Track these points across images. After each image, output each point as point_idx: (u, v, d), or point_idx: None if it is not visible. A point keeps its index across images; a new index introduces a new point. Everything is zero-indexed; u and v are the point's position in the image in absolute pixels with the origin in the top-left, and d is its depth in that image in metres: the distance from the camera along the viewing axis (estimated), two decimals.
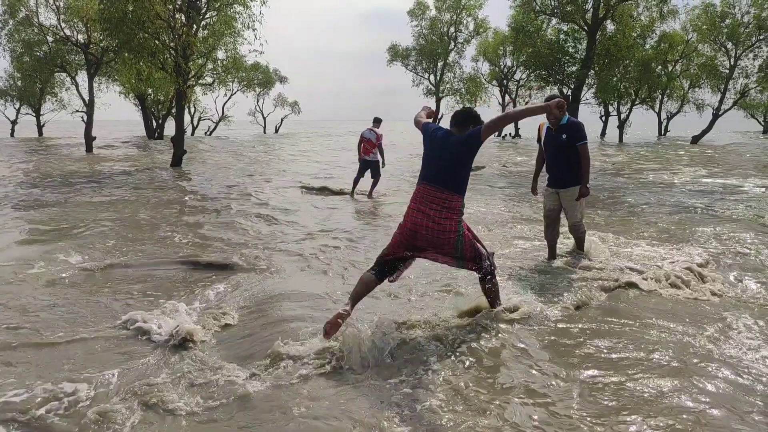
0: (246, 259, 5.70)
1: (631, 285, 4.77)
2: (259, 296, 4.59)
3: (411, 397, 2.93)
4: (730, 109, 36.36)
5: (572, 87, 23.74)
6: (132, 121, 46.55)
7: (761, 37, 32.20)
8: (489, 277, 3.95)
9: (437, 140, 3.85)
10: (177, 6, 15.08)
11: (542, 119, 5.69)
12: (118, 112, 36.13)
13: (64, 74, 26.68)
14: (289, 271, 5.36)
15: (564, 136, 5.44)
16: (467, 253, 3.78)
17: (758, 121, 54.77)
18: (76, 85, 25.32)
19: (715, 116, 35.71)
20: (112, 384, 3.04)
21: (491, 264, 3.94)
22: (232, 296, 4.61)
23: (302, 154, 23.69)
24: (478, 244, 3.90)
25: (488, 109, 41.52)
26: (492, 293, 4.02)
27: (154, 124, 34.73)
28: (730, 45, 33.57)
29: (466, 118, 3.86)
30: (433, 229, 3.70)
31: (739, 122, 53.38)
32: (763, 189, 11.74)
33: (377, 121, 11.34)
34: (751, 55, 33.52)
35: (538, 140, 5.79)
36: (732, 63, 33.94)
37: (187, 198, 10.26)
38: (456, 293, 4.57)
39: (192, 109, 41.25)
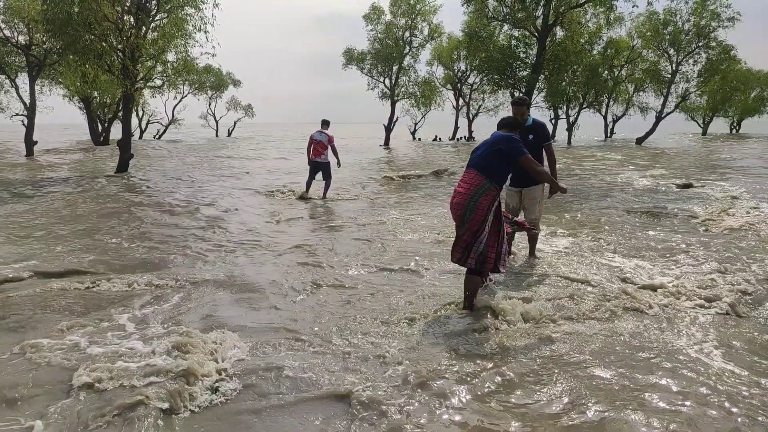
0: (195, 272, 5.50)
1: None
2: (209, 312, 4.43)
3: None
4: (672, 112, 37.98)
5: (523, 91, 24.25)
6: (76, 124, 44.82)
7: (700, 44, 33.79)
8: (473, 274, 4.32)
9: (486, 141, 4.53)
10: (126, 8, 14.58)
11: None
12: (61, 115, 34.57)
13: (3, 76, 25.37)
14: (240, 283, 5.16)
15: (531, 136, 5.60)
16: (472, 225, 4.19)
17: (698, 123, 57.46)
18: (16, 88, 24.11)
19: (658, 119, 37.23)
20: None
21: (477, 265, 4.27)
22: (182, 312, 4.44)
23: (255, 158, 23.31)
24: (486, 239, 4.22)
25: (443, 113, 42.09)
26: (468, 289, 4.37)
27: (100, 127, 33.48)
28: (672, 51, 35.05)
29: (507, 124, 4.59)
30: (457, 195, 4.32)
31: (681, 125, 55.87)
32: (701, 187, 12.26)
33: (325, 123, 11.61)
34: (691, 61, 35.15)
35: None
36: (674, 68, 35.45)
37: (132, 206, 9.84)
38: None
39: (140, 112, 40.02)
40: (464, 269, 4.38)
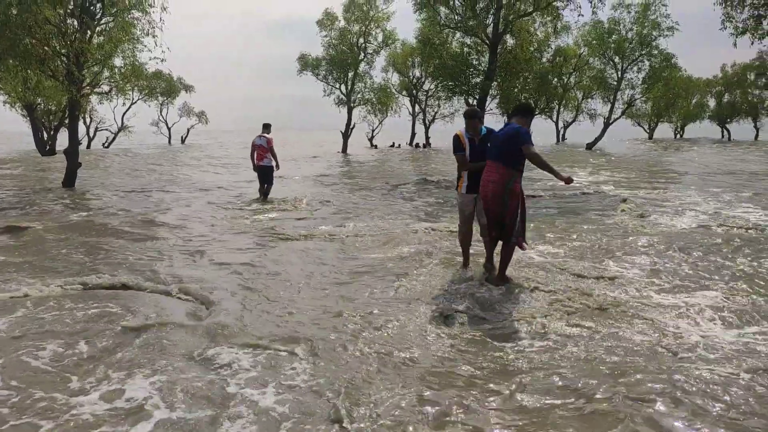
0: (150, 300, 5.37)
1: None
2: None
3: None
4: (619, 118, 39.40)
5: (477, 98, 24.61)
6: (19, 132, 42.95)
7: (643, 52, 35.18)
8: (509, 243, 5.30)
9: (499, 134, 5.44)
10: (69, 10, 14.10)
11: (459, 129, 5.94)
12: (2, 123, 33.14)
13: None
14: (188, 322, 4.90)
15: (489, 144, 5.72)
16: (512, 208, 5.18)
17: (644, 129, 59.83)
18: None
19: (606, 124, 38.55)
20: None
21: (517, 239, 5.30)
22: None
23: (210, 167, 22.94)
24: (519, 219, 5.25)
25: (399, 119, 42.43)
26: (504, 260, 5.40)
27: (46, 136, 32.19)
28: (617, 59, 36.36)
29: (519, 111, 5.59)
30: (491, 184, 5.27)
31: (628, 130, 58.01)
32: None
33: (266, 127, 11.81)
34: (635, 68, 36.57)
35: (460, 149, 5.89)
36: (619, 75, 36.79)
37: (79, 223, 9.39)
38: None
39: (88, 120, 38.69)
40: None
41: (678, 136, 63.88)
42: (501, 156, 5.24)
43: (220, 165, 23.65)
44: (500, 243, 5.52)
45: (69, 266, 6.18)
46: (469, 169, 5.78)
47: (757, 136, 57.34)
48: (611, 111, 38.30)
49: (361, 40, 34.30)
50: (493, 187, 5.23)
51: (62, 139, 26.19)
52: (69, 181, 15.02)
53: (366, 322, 4.47)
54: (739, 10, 15.81)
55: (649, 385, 3.26)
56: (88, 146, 38.78)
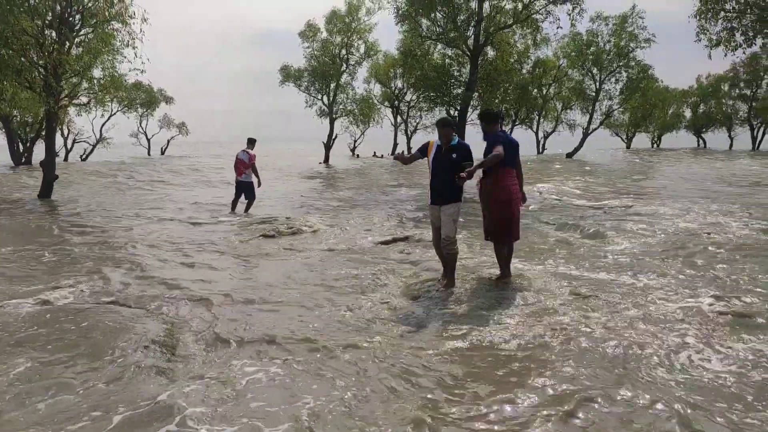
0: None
1: None
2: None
3: None
4: (597, 128, 39.96)
5: (458, 108, 24.79)
6: None
7: (621, 63, 35.81)
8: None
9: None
10: (47, 22, 13.92)
11: (432, 138, 6.00)
12: None
13: None
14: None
15: (454, 155, 5.73)
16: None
17: (621, 138, 60.84)
18: None
19: (585, 135, 39.09)
20: None
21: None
22: None
23: (191, 180, 22.70)
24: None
25: (381, 129, 42.56)
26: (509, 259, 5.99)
27: (21, 147, 31.65)
28: (595, 70, 36.95)
29: (493, 120, 5.97)
30: (515, 187, 5.89)
31: (606, 140, 58.82)
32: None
33: (251, 142, 11.76)
34: (613, 80, 37.17)
35: (424, 152, 5.98)
36: (597, 86, 37.37)
37: (56, 238, 9.14)
38: None
39: (65, 131, 38.11)
40: None
41: (655, 145, 64.95)
42: (513, 162, 5.87)
43: (204, 180, 23.42)
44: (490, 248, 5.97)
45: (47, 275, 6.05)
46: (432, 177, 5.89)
47: (731, 145, 58.58)
48: (590, 121, 38.86)
49: (344, 52, 34.43)
50: (516, 188, 5.86)
51: (39, 151, 25.71)
52: (45, 192, 14.76)
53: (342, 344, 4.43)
54: (713, 23, 16.16)
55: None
56: (66, 158, 38.16)
